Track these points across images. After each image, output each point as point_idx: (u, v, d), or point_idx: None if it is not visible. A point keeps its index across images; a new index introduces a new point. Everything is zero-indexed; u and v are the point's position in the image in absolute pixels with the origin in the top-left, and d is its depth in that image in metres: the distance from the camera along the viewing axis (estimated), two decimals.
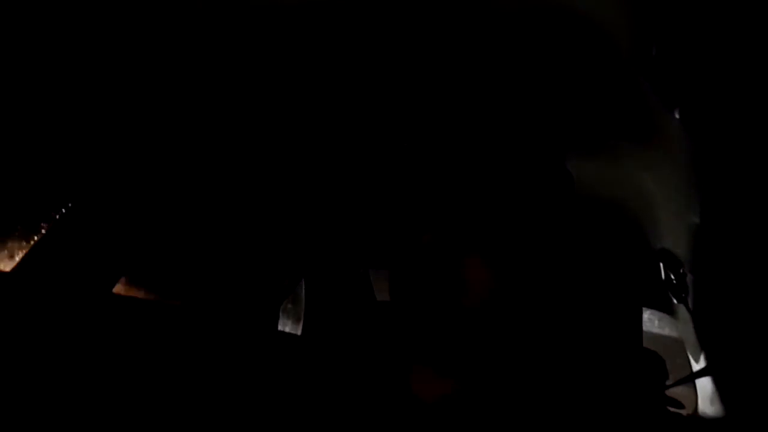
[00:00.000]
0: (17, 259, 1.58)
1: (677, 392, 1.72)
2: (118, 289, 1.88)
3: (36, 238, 1.59)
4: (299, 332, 2.08)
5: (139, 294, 1.96)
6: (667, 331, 1.94)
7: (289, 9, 1.22)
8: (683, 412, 1.72)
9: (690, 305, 1.59)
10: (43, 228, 1.60)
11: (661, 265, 1.65)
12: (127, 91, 1.53)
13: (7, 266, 1.56)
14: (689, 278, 1.55)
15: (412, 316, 1.09)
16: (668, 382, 1.64)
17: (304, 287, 2.17)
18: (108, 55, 1.40)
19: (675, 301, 1.69)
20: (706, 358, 1.63)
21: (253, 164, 1.84)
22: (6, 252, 1.66)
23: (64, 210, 1.62)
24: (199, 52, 1.38)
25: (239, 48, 1.35)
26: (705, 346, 1.62)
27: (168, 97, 1.54)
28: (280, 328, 2.06)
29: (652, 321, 1.95)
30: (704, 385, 1.71)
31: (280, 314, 2.08)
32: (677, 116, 1.21)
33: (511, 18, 1.17)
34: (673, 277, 1.61)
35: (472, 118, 1.49)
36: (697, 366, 1.73)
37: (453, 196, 1.14)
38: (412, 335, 1.10)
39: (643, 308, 1.80)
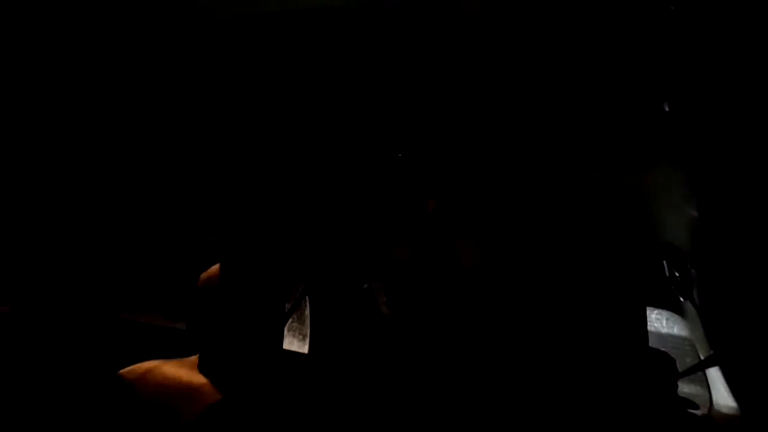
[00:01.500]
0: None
1: (691, 392, 1.68)
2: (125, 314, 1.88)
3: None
4: (306, 350, 2.07)
5: (144, 318, 1.96)
6: (675, 330, 1.91)
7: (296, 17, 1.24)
8: (698, 412, 1.68)
9: (696, 300, 1.56)
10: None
11: (665, 262, 1.64)
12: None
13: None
14: (693, 273, 1.53)
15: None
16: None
17: (308, 305, 2.16)
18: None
19: (681, 299, 1.66)
20: (715, 353, 1.60)
21: (258, 184, 1.85)
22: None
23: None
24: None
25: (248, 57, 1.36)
26: (713, 341, 1.59)
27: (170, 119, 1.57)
28: (286, 346, 2.05)
29: (660, 320, 1.92)
30: (717, 385, 1.67)
31: (286, 333, 2.07)
32: (667, 109, 1.22)
33: None
34: (677, 273, 1.59)
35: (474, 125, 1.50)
36: None
37: (449, 192, 1.15)
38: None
39: (651, 308, 1.78)
